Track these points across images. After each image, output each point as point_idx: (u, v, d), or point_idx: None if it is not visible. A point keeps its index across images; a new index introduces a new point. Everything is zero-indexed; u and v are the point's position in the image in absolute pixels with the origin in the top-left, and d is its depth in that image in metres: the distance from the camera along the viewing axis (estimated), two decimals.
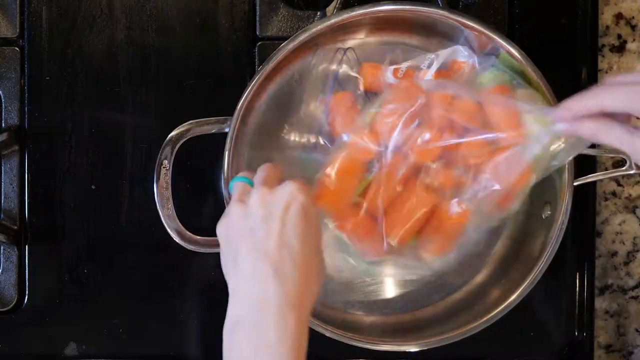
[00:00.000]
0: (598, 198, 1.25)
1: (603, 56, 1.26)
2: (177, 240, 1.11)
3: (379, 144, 1.06)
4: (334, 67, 1.13)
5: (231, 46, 1.20)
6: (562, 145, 1.03)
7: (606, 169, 1.24)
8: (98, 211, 1.20)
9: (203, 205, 1.19)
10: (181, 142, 1.10)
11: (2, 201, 1.20)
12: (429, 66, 1.11)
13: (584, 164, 1.18)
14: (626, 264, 1.27)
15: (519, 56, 1.10)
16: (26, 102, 1.20)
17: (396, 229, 1.08)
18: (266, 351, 0.90)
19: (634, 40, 1.26)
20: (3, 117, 1.20)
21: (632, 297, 1.27)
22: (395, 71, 1.11)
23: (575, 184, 1.12)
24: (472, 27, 1.11)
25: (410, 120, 1.05)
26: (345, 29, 1.15)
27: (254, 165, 1.08)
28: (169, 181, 1.09)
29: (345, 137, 1.07)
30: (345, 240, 1.10)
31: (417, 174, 1.08)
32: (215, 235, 1.11)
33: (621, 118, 0.97)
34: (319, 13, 1.19)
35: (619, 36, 1.26)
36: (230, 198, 1.03)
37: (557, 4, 1.21)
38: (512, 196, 1.07)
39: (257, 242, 0.93)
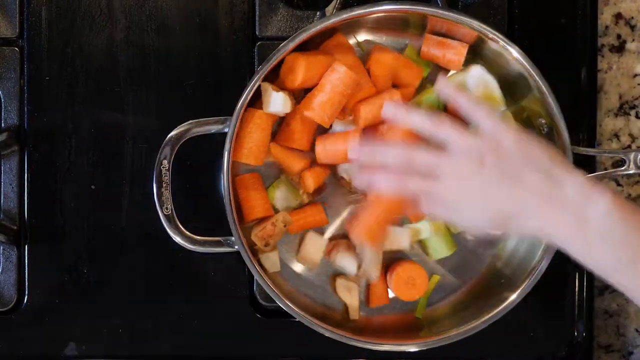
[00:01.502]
0: None
1: (603, 56, 1.26)
2: (177, 240, 1.11)
3: None
4: None
5: (231, 46, 1.20)
6: None
7: (606, 169, 1.24)
8: (98, 211, 1.20)
9: (203, 205, 1.19)
10: (181, 142, 1.10)
11: (2, 201, 1.20)
12: None
13: (583, 163, 1.18)
14: None
15: (519, 56, 1.11)
16: (26, 102, 1.20)
17: None
18: None
19: (633, 40, 1.26)
20: (3, 117, 1.20)
21: None
22: None
23: None
24: (472, 27, 1.11)
25: None
26: (345, 28, 1.15)
27: None
28: (169, 181, 1.09)
29: None
30: None
31: None
32: (214, 234, 1.11)
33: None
34: (318, 13, 1.19)
35: (619, 36, 1.26)
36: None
37: (557, 4, 1.21)
38: None
39: None
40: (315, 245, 1.16)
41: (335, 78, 1.10)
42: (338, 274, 1.18)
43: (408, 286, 1.16)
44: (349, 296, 1.17)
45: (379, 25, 1.16)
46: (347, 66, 1.11)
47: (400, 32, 1.17)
